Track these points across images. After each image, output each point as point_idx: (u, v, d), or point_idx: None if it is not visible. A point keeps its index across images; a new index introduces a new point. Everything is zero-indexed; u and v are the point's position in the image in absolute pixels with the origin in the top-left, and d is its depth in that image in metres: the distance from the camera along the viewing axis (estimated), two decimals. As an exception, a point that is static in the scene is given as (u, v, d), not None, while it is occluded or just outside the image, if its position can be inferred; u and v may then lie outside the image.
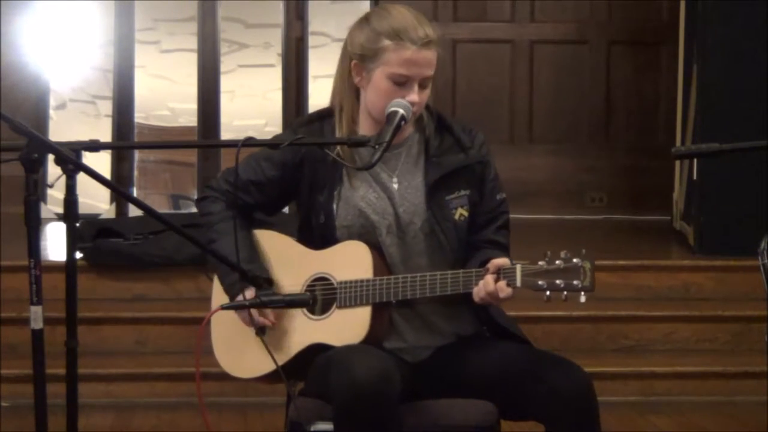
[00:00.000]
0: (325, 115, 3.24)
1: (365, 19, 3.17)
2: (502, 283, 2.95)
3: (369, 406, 2.87)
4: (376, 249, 3.14)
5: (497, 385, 3.09)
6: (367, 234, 3.15)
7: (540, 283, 2.93)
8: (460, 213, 3.18)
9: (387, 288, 3.07)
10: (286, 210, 6.34)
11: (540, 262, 2.94)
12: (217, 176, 3.33)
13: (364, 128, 3.17)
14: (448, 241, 3.16)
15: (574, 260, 2.90)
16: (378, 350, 3.04)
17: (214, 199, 3.26)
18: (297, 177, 3.21)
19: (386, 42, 3.08)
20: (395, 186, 3.19)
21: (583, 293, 2.91)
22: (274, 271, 3.20)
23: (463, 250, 3.18)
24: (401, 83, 3.08)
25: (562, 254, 2.92)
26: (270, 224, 3.36)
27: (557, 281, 2.91)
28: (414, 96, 3.07)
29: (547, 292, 2.93)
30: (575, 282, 2.90)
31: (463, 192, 3.19)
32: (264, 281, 3.13)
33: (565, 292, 2.91)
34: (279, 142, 3.01)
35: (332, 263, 3.14)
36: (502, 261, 2.99)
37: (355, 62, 3.14)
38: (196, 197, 6.98)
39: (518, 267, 2.96)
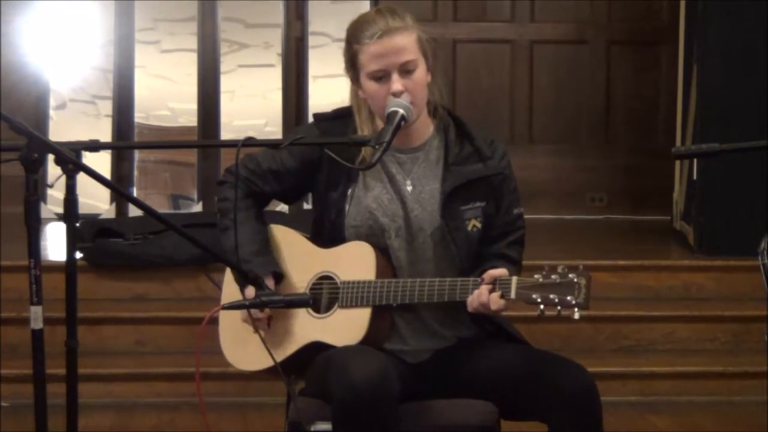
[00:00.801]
0: (349, 113, 3.24)
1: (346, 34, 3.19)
2: (495, 295, 2.95)
3: (367, 408, 2.87)
4: (383, 251, 3.15)
5: (499, 386, 3.09)
6: (375, 236, 3.15)
7: (534, 296, 2.92)
8: (473, 224, 3.17)
9: (387, 291, 3.07)
10: (285, 209, 6.34)
11: (536, 276, 2.93)
12: (238, 162, 3.32)
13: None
14: (457, 250, 3.15)
15: (570, 275, 2.90)
16: (376, 351, 3.04)
17: (232, 185, 3.24)
18: (315, 171, 3.20)
19: (355, 47, 3.11)
20: (409, 189, 3.19)
21: (576, 309, 2.89)
22: (283, 266, 3.21)
23: (472, 261, 3.17)
24: (380, 78, 3.09)
25: (559, 269, 2.91)
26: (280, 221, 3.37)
27: (551, 296, 2.90)
28: (397, 85, 3.07)
29: (541, 306, 2.91)
30: (569, 298, 2.89)
31: (478, 203, 3.18)
32: (274, 275, 3.14)
33: (559, 307, 2.90)
34: (278, 142, 3.03)
35: (338, 262, 3.15)
36: (498, 272, 2.99)
37: (350, 76, 3.17)
38: (198, 195, 7.00)
39: (514, 279, 2.95)
